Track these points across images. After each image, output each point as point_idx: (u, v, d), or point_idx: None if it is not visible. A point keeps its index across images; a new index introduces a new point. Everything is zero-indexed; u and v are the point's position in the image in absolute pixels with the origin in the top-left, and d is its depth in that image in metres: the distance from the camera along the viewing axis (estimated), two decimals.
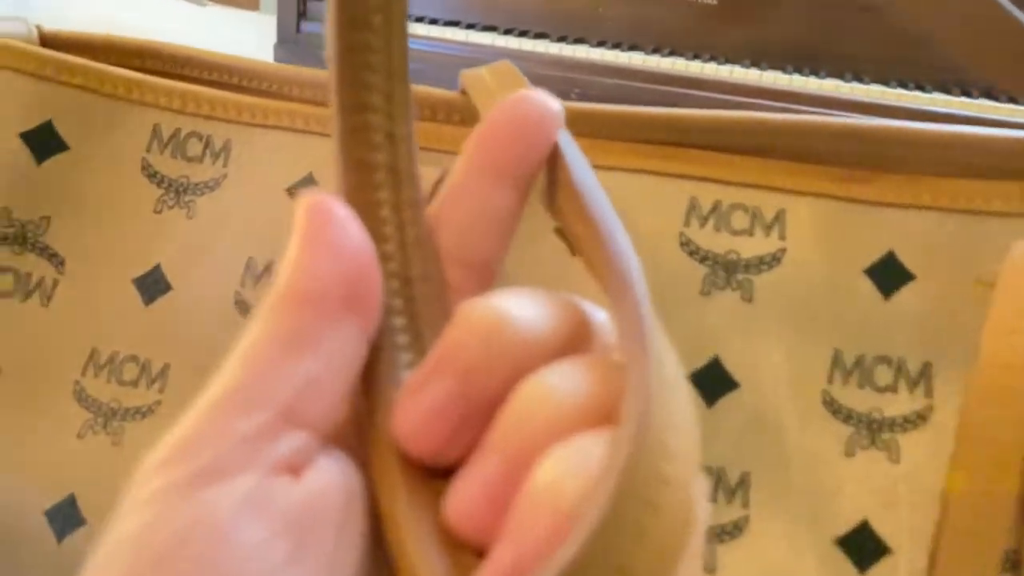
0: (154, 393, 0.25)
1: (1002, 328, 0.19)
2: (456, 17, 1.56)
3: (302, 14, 1.56)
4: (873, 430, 0.22)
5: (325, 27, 0.18)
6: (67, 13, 1.69)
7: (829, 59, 1.43)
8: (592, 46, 1.47)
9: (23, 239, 0.27)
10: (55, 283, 0.27)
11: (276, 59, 1.58)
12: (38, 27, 0.28)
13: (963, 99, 1.35)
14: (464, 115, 0.26)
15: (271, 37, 1.58)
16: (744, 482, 0.22)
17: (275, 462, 0.15)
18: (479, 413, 0.15)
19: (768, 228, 0.24)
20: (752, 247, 0.24)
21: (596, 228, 0.15)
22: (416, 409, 0.15)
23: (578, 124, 0.25)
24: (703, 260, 0.24)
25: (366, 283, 0.15)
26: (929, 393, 0.22)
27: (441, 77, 1.26)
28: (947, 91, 1.37)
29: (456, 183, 0.18)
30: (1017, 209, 0.21)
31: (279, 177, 0.27)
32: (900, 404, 0.22)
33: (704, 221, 0.24)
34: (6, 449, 0.25)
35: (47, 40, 0.29)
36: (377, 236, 0.16)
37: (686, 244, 0.24)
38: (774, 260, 0.24)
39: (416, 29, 1.51)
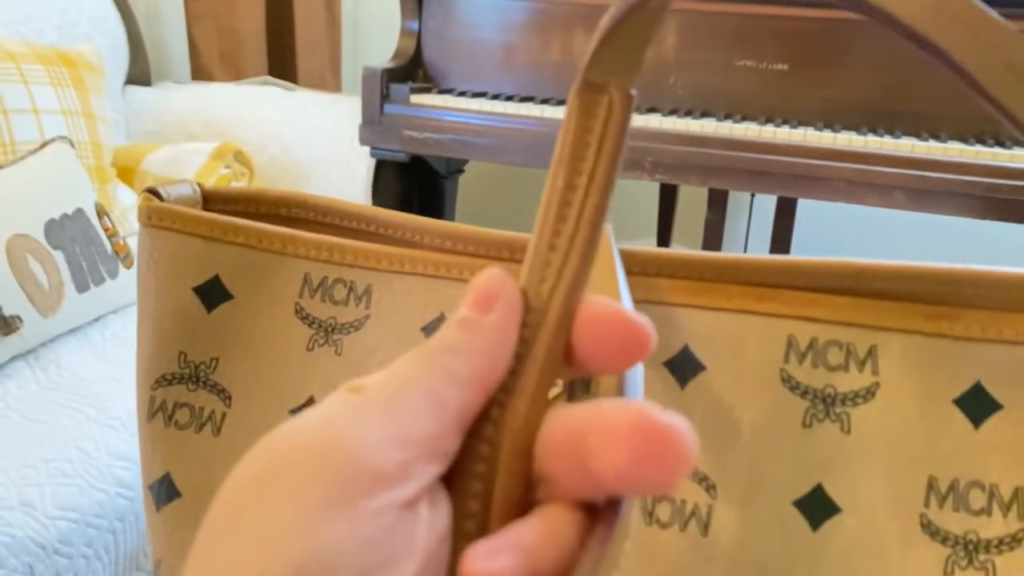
0: None
1: None
2: (532, 93, 1.62)
3: (385, 97, 1.64)
4: (970, 551, 0.24)
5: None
6: (168, 104, 1.81)
7: (904, 118, 1.44)
8: (664, 115, 1.50)
9: (196, 378, 0.31)
10: (224, 416, 0.31)
11: (361, 139, 1.66)
12: (200, 186, 0.33)
13: None
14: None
15: (355, 117, 1.66)
16: None
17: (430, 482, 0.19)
18: None
19: (862, 364, 0.26)
20: (848, 382, 0.26)
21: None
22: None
23: (685, 268, 0.28)
24: (803, 394, 0.26)
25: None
26: (1022, 516, 0.24)
27: (517, 149, 1.31)
28: None
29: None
30: None
31: (415, 317, 0.30)
32: (995, 527, 0.24)
33: (802, 358, 0.26)
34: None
35: (207, 195, 0.34)
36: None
37: (787, 380, 0.26)
38: (868, 393, 0.26)
39: (494, 107, 1.57)
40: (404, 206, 1.83)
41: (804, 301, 0.27)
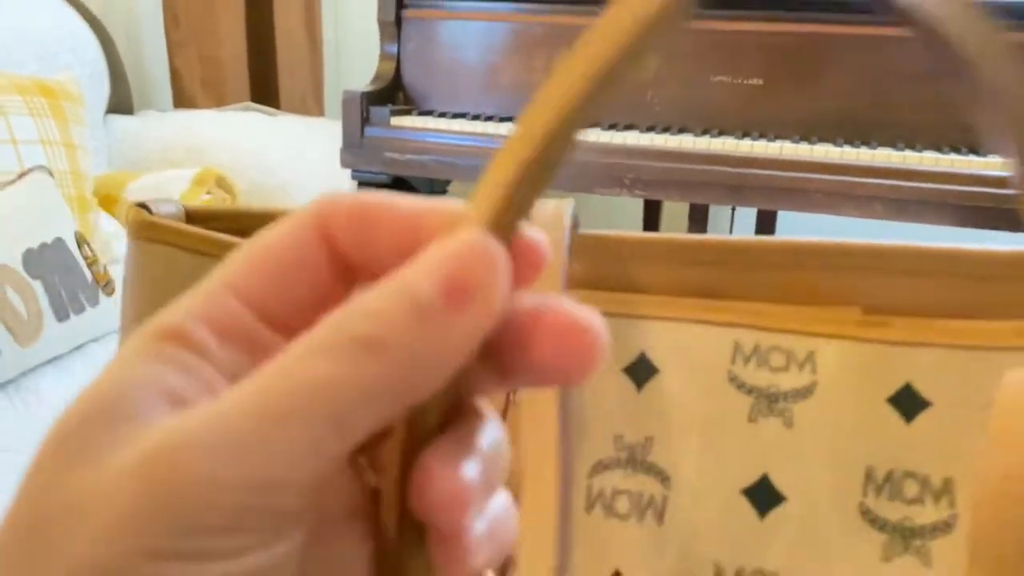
0: None
1: (997, 443, 0.21)
2: (512, 113, 1.63)
3: (365, 119, 1.65)
4: (906, 537, 0.25)
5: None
6: (150, 132, 1.81)
7: (879, 128, 1.45)
8: (642, 131, 1.52)
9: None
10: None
11: (342, 162, 1.67)
12: (184, 205, 0.33)
13: None
14: None
15: (337, 141, 1.67)
16: None
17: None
18: None
19: (801, 366, 0.27)
20: (789, 381, 0.27)
21: None
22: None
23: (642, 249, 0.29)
24: (749, 392, 0.27)
25: None
26: (952, 504, 0.24)
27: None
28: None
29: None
30: (1013, 344, 0.24)
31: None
32: (928, 514, 0.25)
33: (747, 360, 0.27)
34: None
35: (190, 214, 0.34)
36: None
37: (734, 379, 0.27)
38: (808, 392, 0.26)
39: (474, 127, 1.58)
40: None
41: (750, 311, 0.27)
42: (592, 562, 0.27)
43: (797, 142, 1.44)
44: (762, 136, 1.48)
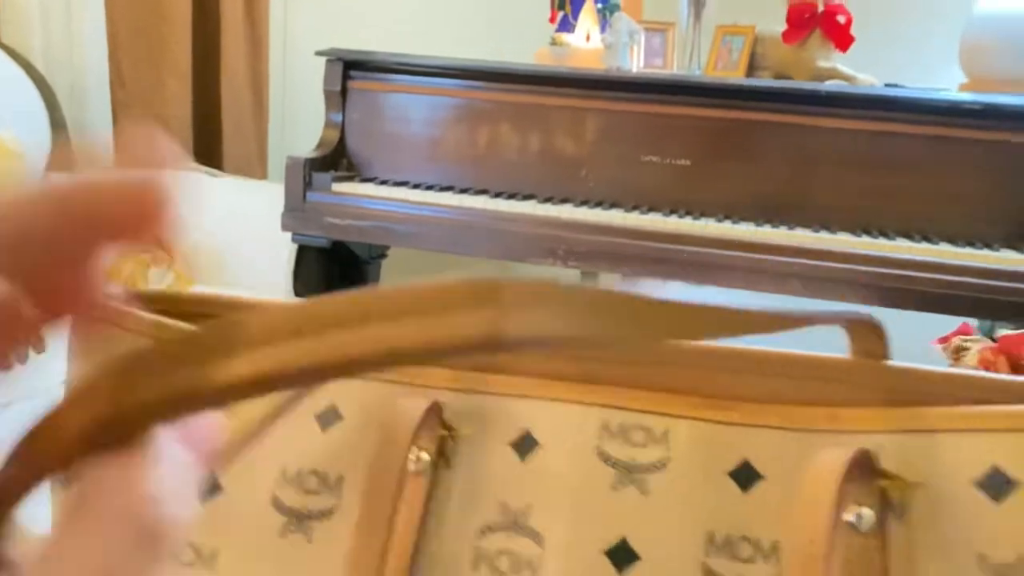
0: None
1: (804, 512, 0.26)
2: (451, 183, 1.69)
3: (308, 184, 1.68)
4: None
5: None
6: None
7: (797, 210, 1.54)
8: (576, 205, 1.58)
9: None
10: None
11: (283, 226, 1.70)
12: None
13: (926, 245, 1.45)
14: None
15: (279, 204, 1.70)
16: None
17: None
18: None
19: (657, 442, 0.31)
20: (646, 455, 0.31)
21: None
22: None
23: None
24: (613, 465, 0.31)
25: None
26: (779, 563, 0.29)
27: (437, 235, 1.36)
28: (911, 238, 1.47)
29: None
30: (825, 427, 0.29)
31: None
32: (758, 571, 0.29)
33: (613, 436, 0.31)
34: None
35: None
36: None
37: (601, 453, 0.31)
38: (662, 464, 0.31)
39: (415, 195, 1.63)
40: (327, 290, 1.86)
41: (616, 394, 0.32)
42: None
43: (720, 220, 1.52)
44: (688, 214, 1.56)
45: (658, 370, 0.32)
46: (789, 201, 1.56)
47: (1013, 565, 0.25)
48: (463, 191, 1.66)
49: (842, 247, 1.46)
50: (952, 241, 1.47)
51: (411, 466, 0.32)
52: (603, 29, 1.76)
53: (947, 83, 1.64)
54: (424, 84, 1.74)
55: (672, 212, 1.57)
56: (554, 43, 1.80)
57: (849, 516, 0.27)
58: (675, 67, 1.82)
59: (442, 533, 0.32)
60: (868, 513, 0.27)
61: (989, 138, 1.50)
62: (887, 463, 0.28)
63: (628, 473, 0.31)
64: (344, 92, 1.76)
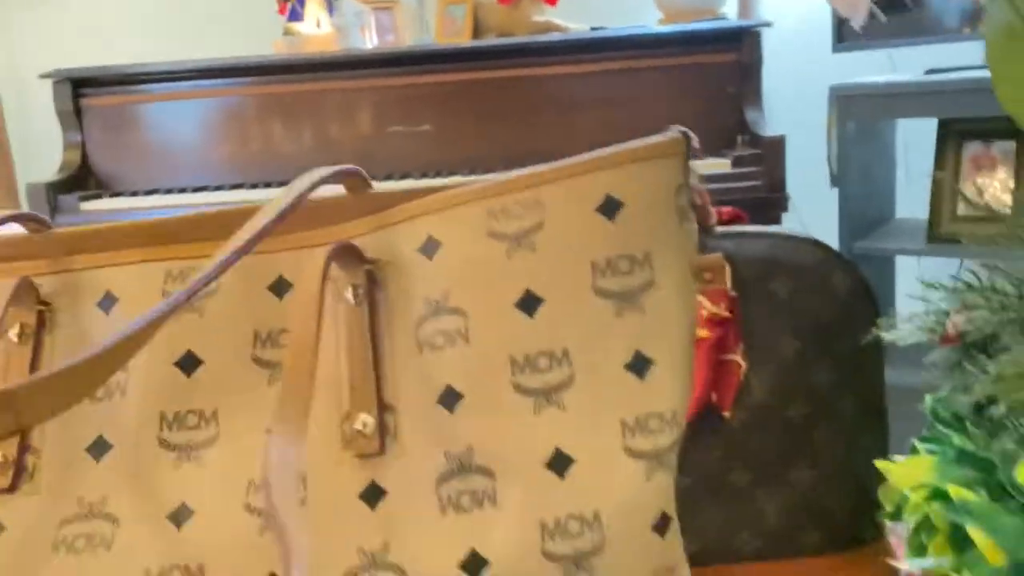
0: None
1: (299, 299, 0.33)
2: (205, 183, 1.69)
3: (55, 209, 1.65)
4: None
5: None
6: None
7: (536, 156, 1.66)
8: None
9: None
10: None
11: None
12: None
13: None
14: None
15: None
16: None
17: None
18: None
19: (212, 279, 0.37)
20: (207, 289, 0.37)
21: None
22: None
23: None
24: (176, 299, 0.37)
25: None
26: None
27: None
28: None
29: None
30: (329, 240, 0.36)
31: None
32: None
33: (174, 280, 0.38)
34: None
35: None
36: None
37: (164, 293, 0.37)
38: (215, 290, 0.37)
39: (167, 200, 1.62)
40: None
41: (177, 250, 0.38)
42: None
43: (467, 175, 1.62)
44: (438, 174, 1.65)
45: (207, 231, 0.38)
46: (527, 148, 1.68)
47: (439, 301, 0.34)
48: (217, 188, 1.68)
49: None
50: None
51: (12, 336, 0.37)
52: (331, 14, 1.81)
53: (648, 22, 1.81)
54: (162, 90, 1.74)
55: (423, 175, 1.65)
56: (287, 33, 1.84)
57: (348, 294, 0.35)
58: (409, 41, 1.90)
59: None
60: (354, 289, 0.35)
61: (689, 61, 1.67)
62: (371, 253, 0.36)
63: (189, 303, 0.37)
64: (78, 111, 1.73)
